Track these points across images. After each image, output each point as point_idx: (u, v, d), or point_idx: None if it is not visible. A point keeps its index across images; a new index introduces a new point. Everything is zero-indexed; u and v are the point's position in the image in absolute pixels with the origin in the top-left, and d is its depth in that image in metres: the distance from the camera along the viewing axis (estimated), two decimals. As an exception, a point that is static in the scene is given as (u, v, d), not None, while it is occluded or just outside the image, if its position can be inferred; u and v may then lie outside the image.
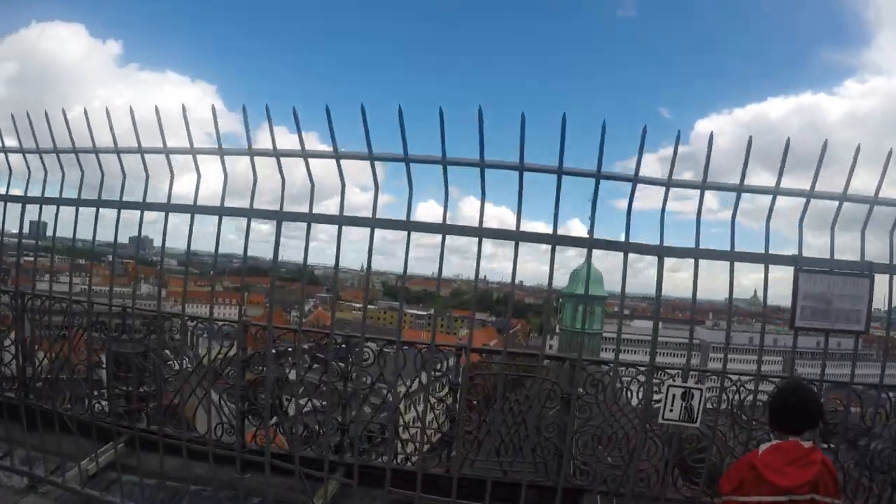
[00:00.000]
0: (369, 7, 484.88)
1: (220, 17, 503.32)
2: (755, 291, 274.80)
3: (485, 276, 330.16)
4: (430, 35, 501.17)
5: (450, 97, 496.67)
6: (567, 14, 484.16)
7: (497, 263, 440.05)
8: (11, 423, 7.23)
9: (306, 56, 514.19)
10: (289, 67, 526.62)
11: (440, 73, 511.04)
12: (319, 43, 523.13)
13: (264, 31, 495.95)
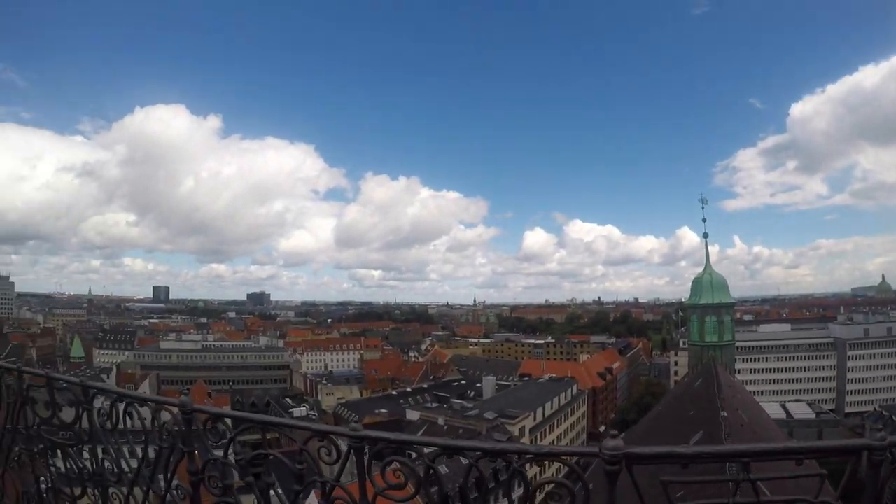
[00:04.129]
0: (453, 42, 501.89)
1: (310, 81, 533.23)
2: (882, 277, 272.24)
3: (599, 298, 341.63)
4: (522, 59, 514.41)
5: (557, 96, 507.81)
6: (644, 17, 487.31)
7: (609, 283, 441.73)
8: None
9: (394, 99, 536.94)
10: (379, 112, 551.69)
11: (552, 104, 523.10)
12: (408, 84, 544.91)
13: (355, 82, 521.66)
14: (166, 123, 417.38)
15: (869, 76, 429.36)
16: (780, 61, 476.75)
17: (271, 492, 4.47)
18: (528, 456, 3.51)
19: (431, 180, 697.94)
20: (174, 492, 4.87)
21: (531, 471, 3.78)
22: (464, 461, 3.77)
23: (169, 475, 4.87)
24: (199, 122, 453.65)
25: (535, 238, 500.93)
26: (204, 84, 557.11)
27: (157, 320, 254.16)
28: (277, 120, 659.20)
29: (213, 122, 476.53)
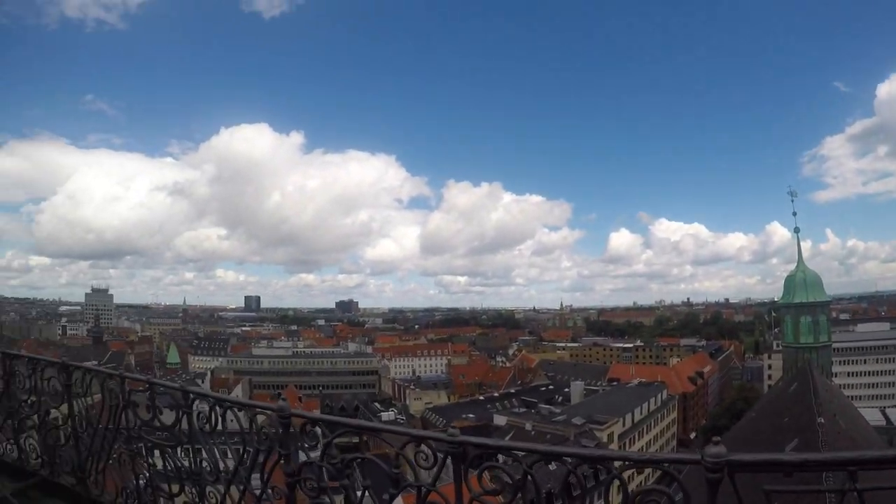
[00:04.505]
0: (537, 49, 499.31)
1: (389, 93, 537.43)
2: None
3: (688, 299, 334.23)
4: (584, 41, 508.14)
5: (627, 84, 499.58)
6: (719, 3, 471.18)
7: (698, 283, 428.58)
8: None
9: (473, 106, 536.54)
10: (459, 120, 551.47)
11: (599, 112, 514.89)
12: (492, 88, 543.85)
13: (433, 92, 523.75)
14: (251, 142, 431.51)
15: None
16: (863, 40, 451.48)
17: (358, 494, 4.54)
18: (629, 462, 3.50)
19: (513, 185, 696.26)
20: (269, 492, 5.04)
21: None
22: (549, 467, 3.79)
23: (266, 476, 5.03)
24: (282, 138, 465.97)
25: (621, 239, 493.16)
26: (285, 102, 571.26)
27: (248, 328, 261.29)
28: (358, 133, 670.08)
29: (296, 138, 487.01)
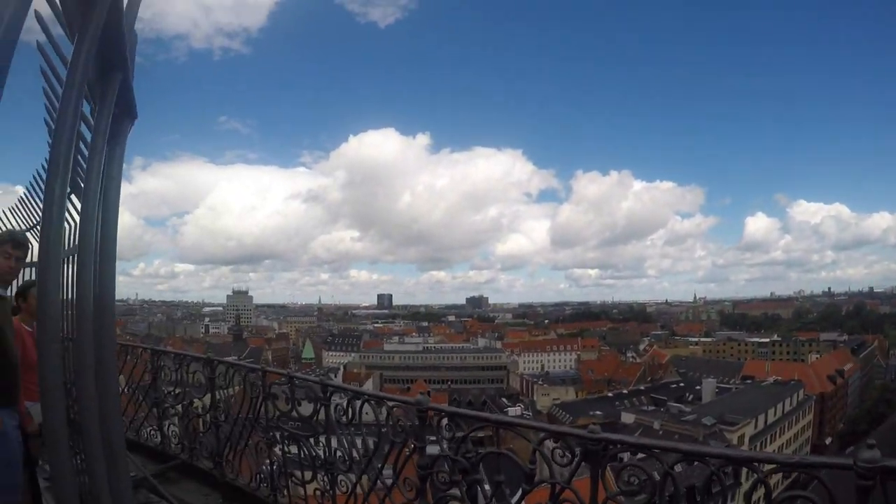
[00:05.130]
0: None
1: (511, 88, 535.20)
2: None
3: (829, 288, 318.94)
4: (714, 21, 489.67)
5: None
6: None
7: (840, 271, 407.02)
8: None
9: (598, 95, 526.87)
10: (584, 109, 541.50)
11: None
12: (612, 73, 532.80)
13: (557, 83, 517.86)
14: (378, 147, 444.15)
15: None
16: None
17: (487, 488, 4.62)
18: (778, 465, 3.44)
19: (643, 172, 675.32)
20: (401, 483, 5.20)
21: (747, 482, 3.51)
22: (678, 468, 3.70)
23: (399, 467, 5.25)
24: (408, 141, 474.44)
25: (757, 224, 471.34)
26: (409, 106, 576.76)
27: (380, 324, 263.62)
28: (483, 129, 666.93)
29: (422, 139, 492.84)
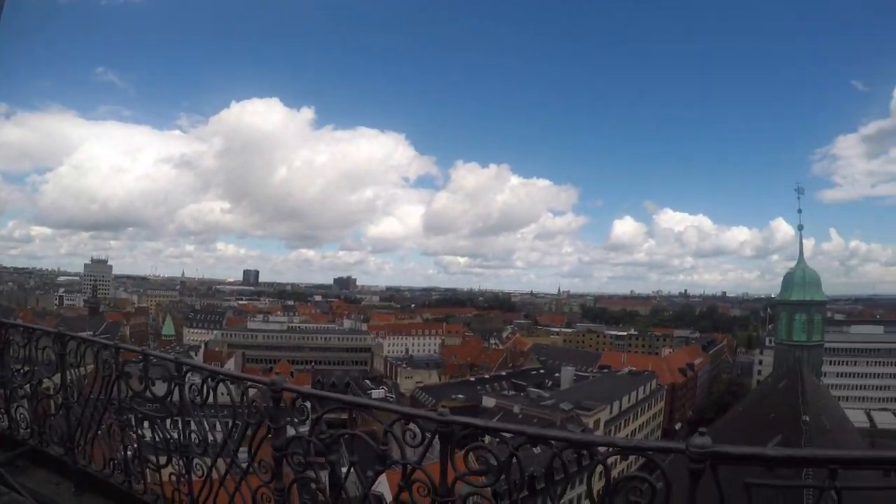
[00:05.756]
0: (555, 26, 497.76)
1: (401, 71, 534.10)
2: None
3: (685, 290, 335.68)
4: (608, 30, 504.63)
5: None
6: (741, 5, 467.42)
7: (697, 275, 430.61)
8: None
9: (484, 87, 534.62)
10: (470, 100, 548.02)
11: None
12: (504, 68, 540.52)
13: (445, 70, 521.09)
14: (261, 116, 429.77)
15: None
16: (884, 40, 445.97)
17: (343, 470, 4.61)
18: (615, 448, 3.56)
19: (522, 168, 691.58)
20: (256, 465, 5.08)
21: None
22: (535, 451, 3.86)
23: (254, 449, 5.10)
24: (292, 114, 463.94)
25: (624, 227, 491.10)
26: (297, 77, 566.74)
27: (245, 302, 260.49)
28: (369, 110, 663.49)
29: (307, 113, 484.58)
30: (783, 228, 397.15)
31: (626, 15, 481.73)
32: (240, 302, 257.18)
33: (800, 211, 54.74)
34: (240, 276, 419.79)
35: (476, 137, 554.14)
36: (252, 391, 5.25)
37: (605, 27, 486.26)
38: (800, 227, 55.35)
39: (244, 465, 5.22)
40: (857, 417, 73.89)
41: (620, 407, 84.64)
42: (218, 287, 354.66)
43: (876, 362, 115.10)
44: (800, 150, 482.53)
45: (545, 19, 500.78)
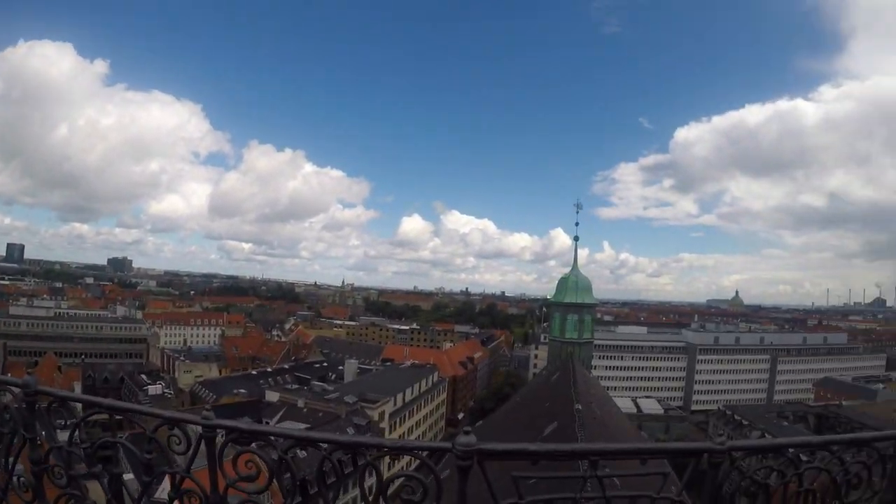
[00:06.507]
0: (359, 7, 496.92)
1: (205, 37, 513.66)
2: (736, 292, 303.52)
3: (466, 288, 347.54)
4: (422, 37, 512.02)
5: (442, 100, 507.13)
6: (555, 29, 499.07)
7: (479, 275, 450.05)
8: None
9: (287, 67, 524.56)
10: (272, 79, 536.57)
11: (438, 77, 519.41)
12: (313, 50, 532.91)
13: (250, 44, 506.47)
14: (50, 61, 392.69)
15: (753, 114, 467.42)
16: (675, 86, 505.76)
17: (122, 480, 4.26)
18: (384, 450, 3.68)
19: (317, 156, 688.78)
20: (15, 481, 4.40)
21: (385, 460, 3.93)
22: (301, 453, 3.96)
23: (10, 464, 4.44)
24: (84, 64, 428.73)
25: (412, 224, 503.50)
26: (94, 24, 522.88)
27: (7, 282, 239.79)
28: (168, 73, 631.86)
29: (100, 66, 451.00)
30: (561, 238, 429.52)
31: (445, 26, 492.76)
32: (1, 282, 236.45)
33: (577, 224, 59.64)
34: (2, 251, 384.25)
35: (275, 118, 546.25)
36: (8, 395, 4.51)
37: (423, 35, 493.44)
38: (576, 238, 60.38)
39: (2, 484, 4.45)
40: (625, 404, 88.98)
41: (404, 399, 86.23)
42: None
43: (640, 357, 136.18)
44: (584, 171, 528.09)
45: (359, 4, 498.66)
